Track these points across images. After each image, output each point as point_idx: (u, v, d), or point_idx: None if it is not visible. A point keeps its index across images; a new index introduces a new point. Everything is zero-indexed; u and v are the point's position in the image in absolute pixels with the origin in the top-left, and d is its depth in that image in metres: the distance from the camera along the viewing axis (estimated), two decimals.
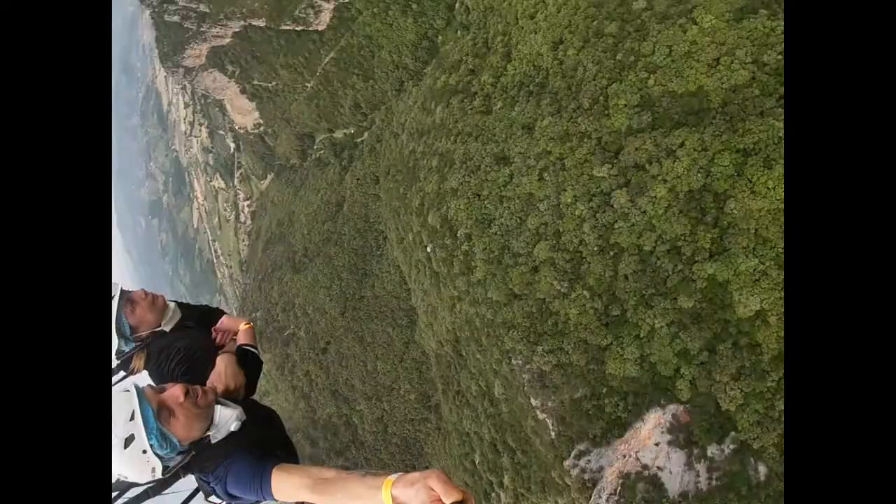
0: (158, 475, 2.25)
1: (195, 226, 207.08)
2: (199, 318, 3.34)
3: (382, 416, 61.70)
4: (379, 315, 63.20)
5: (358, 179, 74.91)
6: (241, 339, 3.13)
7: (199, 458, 2.37)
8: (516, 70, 42.75)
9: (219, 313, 3.46)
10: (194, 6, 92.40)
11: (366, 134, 79.22)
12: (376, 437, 60.66)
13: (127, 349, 3.02)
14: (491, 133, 41.07)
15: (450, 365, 44.60)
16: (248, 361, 2.93)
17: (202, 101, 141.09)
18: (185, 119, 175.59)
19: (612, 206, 32.04)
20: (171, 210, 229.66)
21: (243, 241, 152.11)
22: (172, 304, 3.21)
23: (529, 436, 34.60)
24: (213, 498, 2.58)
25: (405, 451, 57.95)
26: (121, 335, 2.98)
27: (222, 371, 2.73)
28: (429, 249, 43.06)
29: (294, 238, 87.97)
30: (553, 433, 32.04)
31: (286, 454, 2.60)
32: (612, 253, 31.60)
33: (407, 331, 58.09)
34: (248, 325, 3.19)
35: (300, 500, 2.07)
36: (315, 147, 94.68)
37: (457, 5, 59.60)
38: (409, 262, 50.95)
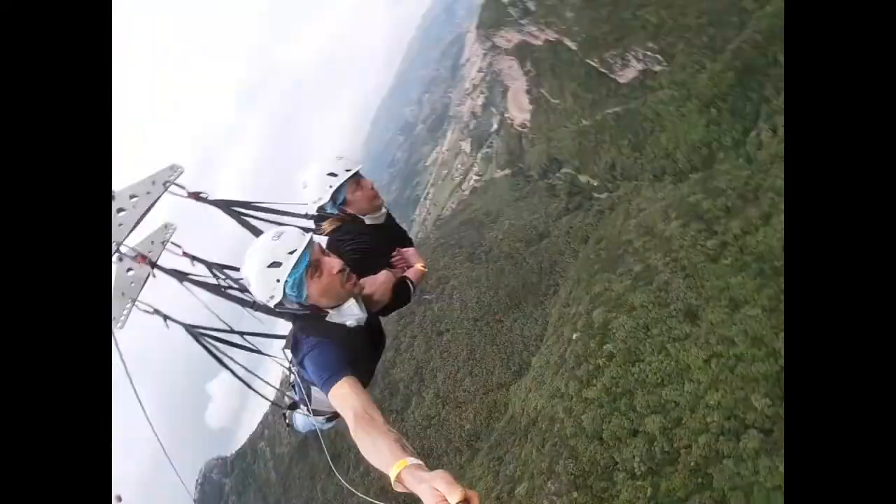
0: (271, 304, 2.42)
1: (427, 163, 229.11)
2: (393, 233, 3.52)
3: (432, 418, 66.17)
4: (499, 345, 66.94)
5: (571, 227, 77.94)
6: (410, 273, 3.25)
7: (308, 319, 2.49)
8: (762, 241, 41.42)
9: (409, 242, 3.61)
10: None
11: (605, 195, 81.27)
12: (413, 427, 64.61)
13: (328, 211, 3.25)
14: (700, 283, 40.91)
15: (514, 439, 46.56)
16: (401, 292, 3.07)
17: (492, 76, 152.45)
18: (471, 80, 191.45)
19: None
20: (418, 139, 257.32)
21: (452, 203, 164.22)
22: (385, 211, 3.43)
23: None
24: (287, 351, 2.78)
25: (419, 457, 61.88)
26: (332, 199, 3.19)
27: (380, 281, 2.87)
28: (574, 336, 45.00)
29: (488, 233, 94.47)
30: None
31: (365, 376, 2.68)
32: None
33: (508, 376, 60.89)
34: (423, 268, 3.30)
35: (342, 415, 2.18)
36: (556, 175, 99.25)
37: (751, 135, 57.97)
38: (556, 329, 53.26)
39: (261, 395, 3.68)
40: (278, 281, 2.33)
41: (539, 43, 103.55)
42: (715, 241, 45.17)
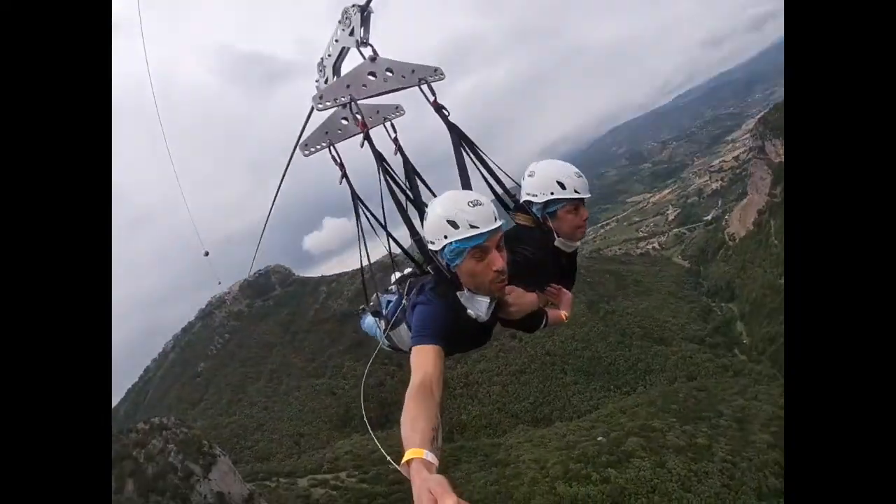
0: (433, 247, 2.48)
1: (627, 199, 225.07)
2: (566, 269, 3.38)
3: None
4: (546, 391, 69.52)
5: (678, 364, 76.54)
6: (552, 313, 3.15)
7: (445, 281, 2.53)
8: None
9: (571, 286, 3.46)
10: None
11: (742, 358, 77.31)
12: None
13: (533, 210, 3.16)
14: None
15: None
16: (534, 318, 3.00)
17: (737, 175, 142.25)
18: (721, 160, 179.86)
19: None
20: (638, 173, 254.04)
21: (617, 249, 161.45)
22: (578, 244, 3.33)
23: None
24: (404, 285, 3.00)
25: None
26: (545, 204, 3.10)
27: (527, 301, 2.84)
28: (599, 438, 47.26)
29: (620, 302, 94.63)
30: None
31: (447, 353, 2.54)
32: None
33: (529, 419, 64.54)
34: (565, 318, 3.21)
35: (412, 372, 2.19)
36: (718, 305, 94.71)
37: None
38: (592, 425, 55.54)
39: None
40: (445, 237, 2.39)
41: None
42: None
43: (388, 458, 2.19)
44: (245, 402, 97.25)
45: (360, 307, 3.57)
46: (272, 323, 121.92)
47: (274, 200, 4.69)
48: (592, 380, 76.70)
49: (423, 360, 2.22)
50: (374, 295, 3.37)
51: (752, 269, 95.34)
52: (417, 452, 1.70)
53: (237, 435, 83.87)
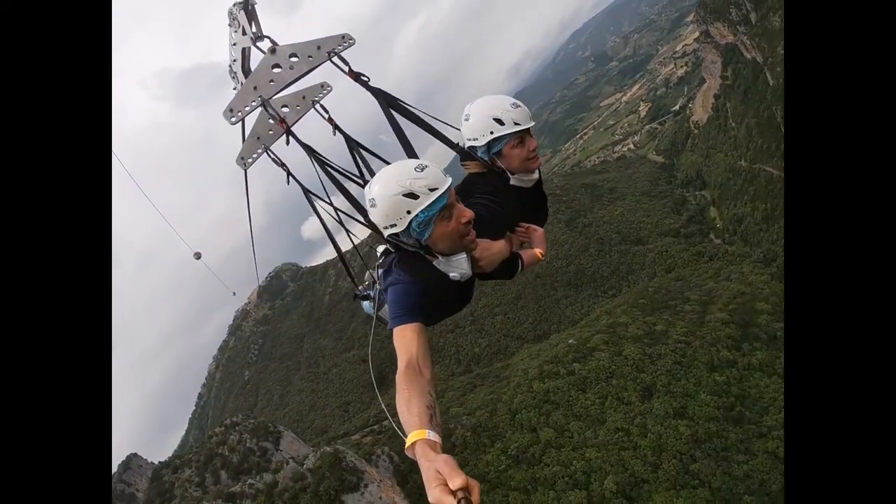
0: (387, 232, 2.41)
1: (601, 103, 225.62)
2: (533, 204, 3.29)
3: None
4: (540, 307, 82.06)
5: (666, 251, 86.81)
6: (527, 254, 3.09)
7: (413, 256, 2.47)
8: None
9: (543, 219, 3.41)
10: None
11: (718, 241, 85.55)
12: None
13: (479, 154, 3.03)
14: None
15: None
16: (509, 265, 2.95)
17: (697, 59, 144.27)
18: (684, 45, 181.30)
19: None
20: (606, 74, 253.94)
21: (596, 158, 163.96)
22: (537, 177, 3.19)
23: None
24: (378, 271, 2.84)
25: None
26: (487, 145, 2.98)
27: (494, 250, 2.76)
28: (570, 341, 57.99)
29: (600, 209, 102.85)
30: None
31: (435, 320, 2.70)
32: None
33: (530, 335, 75.71)
34: (541, 256, 3.14)
35: (397, 355, 2.16)
36: (691, 193, 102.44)
37: None
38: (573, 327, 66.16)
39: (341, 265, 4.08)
40: (409, 213, 2.30)
41: (747, 56, 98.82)
42: None
43: (391, 419, 2.13)
44: (293, 391, 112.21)
45: (354, 294, 3.37)
46: (296, 317, 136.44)
47: (250, 222, 4.62)
48: (581, 290, 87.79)
49: (406, 341, 2.22)
50: (368, 273, 3.19)
51: (715, 155, 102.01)
52: (419, 434, 1.73)
53: (296, 421, 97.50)
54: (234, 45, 3.57)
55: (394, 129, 3.22)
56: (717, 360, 49.60)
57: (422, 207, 2.28)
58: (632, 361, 51.38)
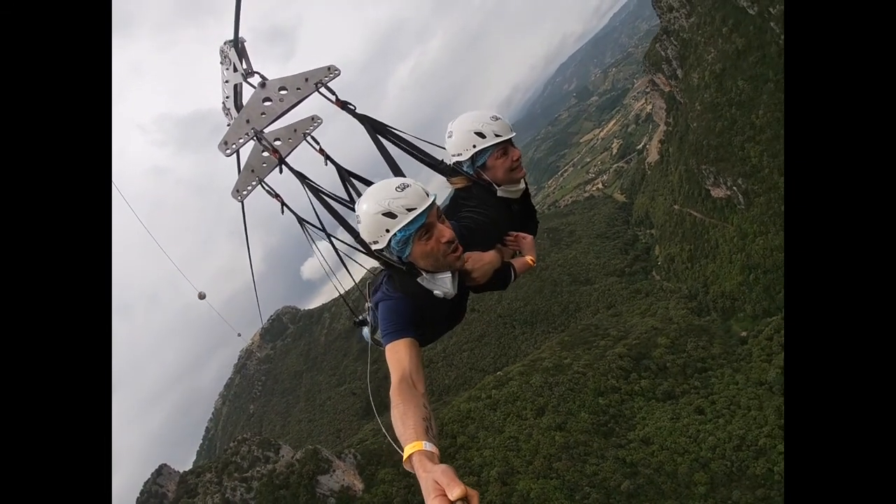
0: (377, 246, 2.49)
1: (581, 139, 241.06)
2: (521, 213, 3.37)
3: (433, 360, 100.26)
4: (501, 344, 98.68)
5: (609, 291, 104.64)
6: (518, 262, 3.15)
7: (399, 273, 2.54)
8: None
9: (534, 228, 3.48)
10: None
11: (658, 279, 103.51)
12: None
13: (464, 169, 3.13)
14: None
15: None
16: (501, 277, 2.99)
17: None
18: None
19: None
20: (587, 110, 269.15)
21: (569, 198, 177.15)
22: (523, 185, 3.26)
23: None
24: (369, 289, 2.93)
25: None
26: (471, 158, 3.06)
27: (485, 261, 2.79)
28: (533, 380, 75.65)
29: (557, 252, 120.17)
30: None
31: (429, 339, 2.76)
32: None
33: (490, 368, 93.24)
34: (532, 262, 3.18)
35: (390, 371, 2.24)
36: (641, 232, 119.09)
37: None
38: (533, 362, 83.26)
39: (339, 295, 4.23)
40: (387, 231, 2.39)
41: (681, 103, 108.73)
42: None
43: (389, 437, 2.13)
44: (293, 422, 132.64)
45: (353, 321, 3.58)
46: (295, 355, 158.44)
47: (249, 253, 4.76)
48: (535, 328, 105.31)
49: (398, 357, 2.28)
50: (367, 303, 3.24)
51: (657, 197, 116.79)
52: (416, 445, 1.75)
53: (295, 447, 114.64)
54: (227, 82, 3.77)
55: (381, 153, 3.35)
56: (604, 386, 67.94)
57: (399, 227, 2.38)
58: (535, 388, 70.14)
